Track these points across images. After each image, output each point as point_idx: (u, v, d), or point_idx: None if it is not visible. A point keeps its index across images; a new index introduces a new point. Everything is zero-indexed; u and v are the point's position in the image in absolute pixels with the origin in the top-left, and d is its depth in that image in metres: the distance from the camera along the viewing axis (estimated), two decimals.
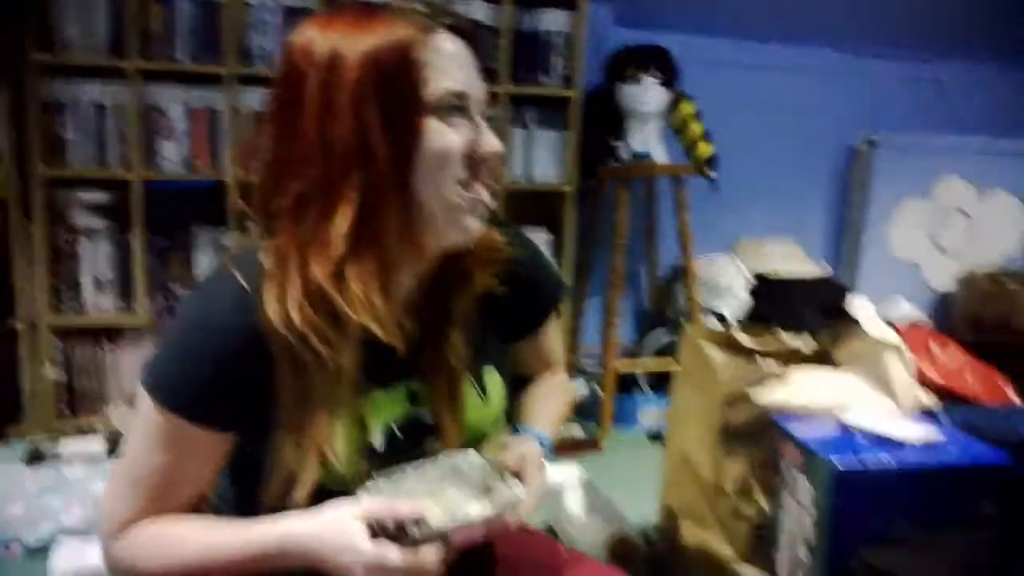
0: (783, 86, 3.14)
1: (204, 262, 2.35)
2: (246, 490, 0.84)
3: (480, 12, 2.43)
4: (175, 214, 2.34)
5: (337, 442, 0.80)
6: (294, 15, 2.27)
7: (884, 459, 1.12)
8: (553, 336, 1.08)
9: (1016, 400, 2.53)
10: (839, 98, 3.24)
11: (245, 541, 0.77)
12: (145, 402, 0.79)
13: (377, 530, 0.73)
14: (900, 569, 0.91)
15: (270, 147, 0.78)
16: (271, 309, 0.75)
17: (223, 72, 2.25)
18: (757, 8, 2.96)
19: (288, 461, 0.79)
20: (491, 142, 0.79)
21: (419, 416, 0.86)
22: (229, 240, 2.31)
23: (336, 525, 0.74)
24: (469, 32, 0.81)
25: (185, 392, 0.78)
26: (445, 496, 0.79)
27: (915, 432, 1.18)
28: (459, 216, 0.79)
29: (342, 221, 0.74)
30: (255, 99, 2.28)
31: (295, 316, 0.75)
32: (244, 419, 0.80)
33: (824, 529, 1.14)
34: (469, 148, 0.78)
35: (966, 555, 0.95)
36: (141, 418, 0.80)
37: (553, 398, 1.06)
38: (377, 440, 0.84)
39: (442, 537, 0.74)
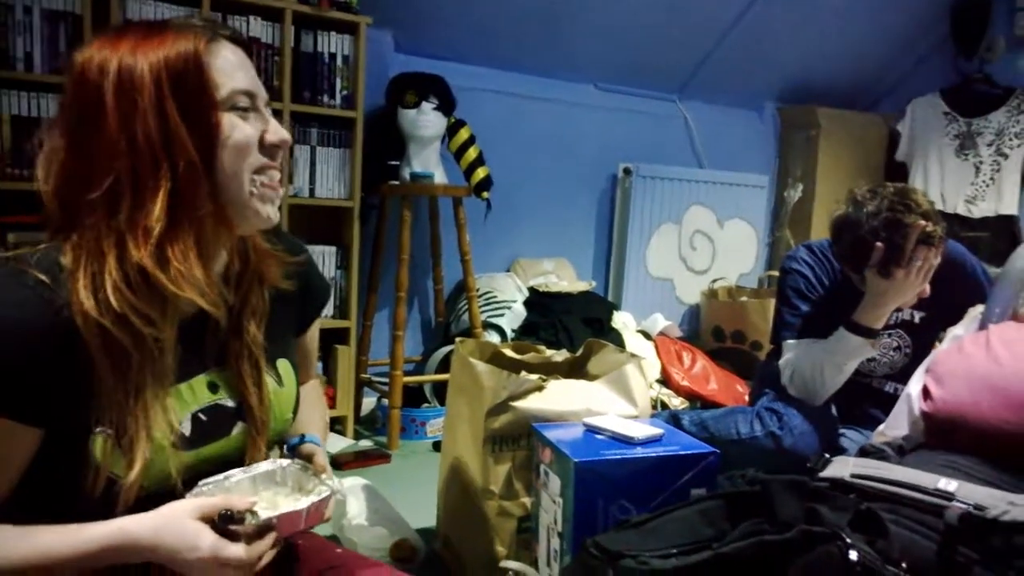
0: (552, 116, 3.38)
1: None
2: (44, 501, 0.84)
3: (259, 30, 2.43)
4: None
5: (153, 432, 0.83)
6: (57, 19, 2.14)
7: (614, 453, 1.31)
8: (315, 342, 1.20)
9: (746, 399, 2.93)
10: (601, 130, 3.52)
11: (82, 540, 0.78)
12: None
13: (212, 526, 0.79)
14: (626, 548, 1.05)
15: (65, 151, 0.83)
16: (83, 298, 0.78)
17: None
18: (529, 45, 3.17)
19: (111, 454, 0.81)
20: (279, 131, 0.90)
21: (220, 403, 0.92)
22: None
23: (174, 522, 0.79)
24: (245, 42, 0.92)
25: None
26: (263, 498, 0.89)
27: (643, 431, 1.38)
28: (257, 204, 0.88)
29: (157, 206, 0.80)
30: (15, 104, 2.13)
31: (113, 300, 0.79)
32: (55, 413, 0.80)
33: (568, 518, 1.30)
34: (261, 138, 0.88)
35: (681, 530, 1.12)
36: None
37: (316, 407, 1.17)
38: (186, 428, 0.88)
39: (270, 527, 0.82)
